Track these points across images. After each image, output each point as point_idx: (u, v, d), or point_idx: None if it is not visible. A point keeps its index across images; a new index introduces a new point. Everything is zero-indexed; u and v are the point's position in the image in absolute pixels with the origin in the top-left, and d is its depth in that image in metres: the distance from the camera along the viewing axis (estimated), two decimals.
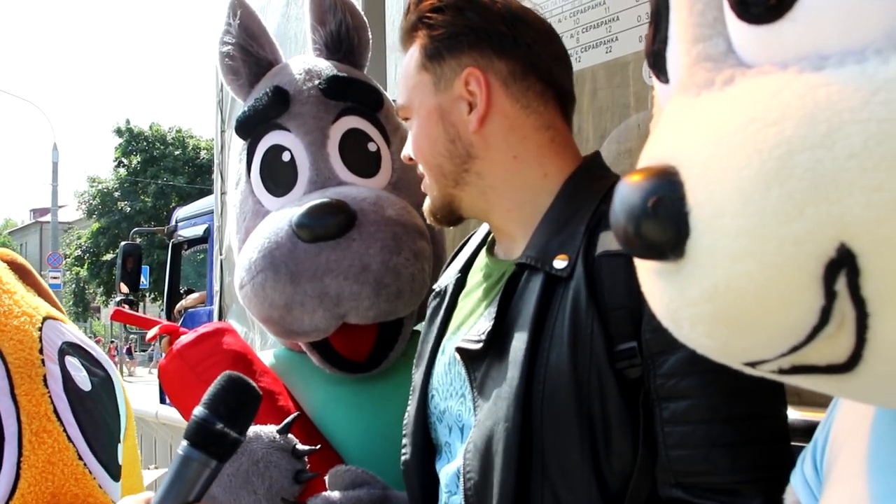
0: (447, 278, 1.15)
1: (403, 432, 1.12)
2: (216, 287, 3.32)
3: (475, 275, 1.10)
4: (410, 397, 1.13)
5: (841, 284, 0.40)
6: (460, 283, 1.12)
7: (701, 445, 0.82)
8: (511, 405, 0.90)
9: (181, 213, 7.67)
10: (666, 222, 0.45)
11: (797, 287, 0.41)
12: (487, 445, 0.92)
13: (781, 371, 0.47)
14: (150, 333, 1.37)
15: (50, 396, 1.24)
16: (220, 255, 3.29)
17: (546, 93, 1.03)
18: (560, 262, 0.93)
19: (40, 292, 1.45)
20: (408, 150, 1.09)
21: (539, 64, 1.03)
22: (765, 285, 0.42)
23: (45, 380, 1.24)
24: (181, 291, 7.24)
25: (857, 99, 0.39)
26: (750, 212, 0.42)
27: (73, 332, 1.42)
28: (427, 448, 1.09)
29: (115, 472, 1.31)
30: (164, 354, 1.39)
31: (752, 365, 0.48)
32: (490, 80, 1.01)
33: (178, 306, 6.80)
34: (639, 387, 0.87)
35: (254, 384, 1.00)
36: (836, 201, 0.39)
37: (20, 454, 1.16)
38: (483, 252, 1.11)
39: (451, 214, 1.08)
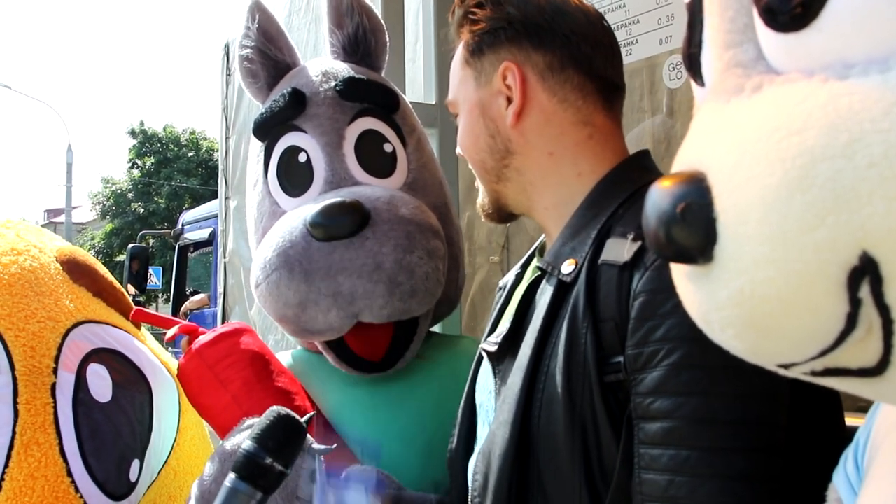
0: (510, 274, 1.15)
1: (454, 423, 1.13)
2: (220, 289, 3.33)
3: (527, 274, 1.10)
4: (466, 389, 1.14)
5: (865, 292, 0.41)
6: (519, 280, 1.12)
7: (666, 471, 0.78)
8: (512, 410, 0.90)
9: (187, 216, 7.75)
10: (694, 228, 0.46)
11: (820, 294, 0.42)
12: (490, 449, 0.92)
13: (814, 373, 0.47)
14: (169, 333, 1.37)
15: (54, 407, 1.21)
16: (224, 258, 3.31)
17: (586, 86, 1.00)
18: (567, 267, 0.92)
19: (100, 291, 1.40)
20: (458, 146, 1.10)
21: (578, 56, 1.00)
22: (788, 292, 0.43)
23: (53, 389, 1.22)
24: (187, 293, 7.30)
25: (878, 109, 0.39)
26: (772, 219, 0.42)
27: (118, 336, 1.38)
28: (472, 440, 1.09)
29: (117, 490, 1.26)
30: (182, 354, 1.39)
31: (786, 367, 0.48)
32: (526, 73, 0.99)
33: (182, 308, 6.85)
34: (628, 403, 0.83)
35: (300, 419, 1.02)
36: (857, 210, 0.40)
37: (6, 465, 1.13)
38: (537, 252, 1.12)
39: (501, 211, 1.08)
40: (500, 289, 1.16)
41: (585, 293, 0.88)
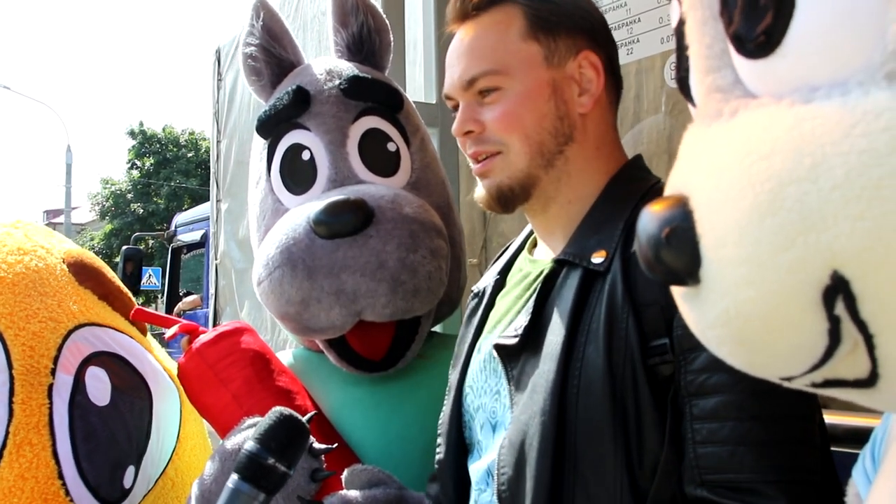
0: (486, 280, 1.15)
1: (438, 431, 1.13)
2: (211, 290, 3.34)
3: (514, 275, 1.10)
4: (446, 397, 1.13)
5: (840, 309, 0.42)
6: (499, 285, 1.12)
7: (728, 442, 0.82)
8: (547, 399, 0.90)
9: (180, 218, 7.84)
10: (679, 251, 0.48)
11: (798, 312, 0.43)
12: (522, 439, 0.92)
13: (815, 384, 0.49)
14: (169, 332, 1.37)
15: (49, 408, 1.20)
16: (216, 259, 3.32)
17: (617, 92, 1.07)
18: (598, 258, 0.94)
19: (106, 294, 1.40)
20: (492, 120, 1.01)
21: (617, 62, 1.06)
22: (768, 311, 0.44)
23: (49, 390, 1.21)
24: (180, 294, 7.35)
25: (838, 132, 0.41)
26: (746, 242, 0.44)
27: (121, 340, 1.37)
28: (461, 447, 1.09)
29: (110, 495, 1.24)
30: (182, 353, 1.39)
31: (787, 379, 0.50)
32: (602, 68, 1.02)
33: (175, 309, 6.90)
34: (670, 384, 0.86)
35: (303, 420, 1.01)
36: (824, 231, 0.41)
37: None
38: (523, 253, 1.12)
39: (518, 194, 1.01)
40: (476, 295, 1.16)
41: (623, 280, 0.90)
